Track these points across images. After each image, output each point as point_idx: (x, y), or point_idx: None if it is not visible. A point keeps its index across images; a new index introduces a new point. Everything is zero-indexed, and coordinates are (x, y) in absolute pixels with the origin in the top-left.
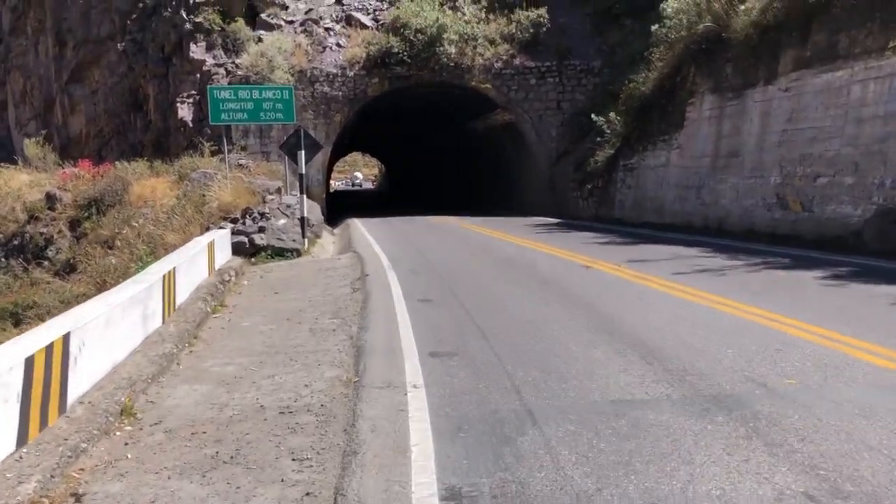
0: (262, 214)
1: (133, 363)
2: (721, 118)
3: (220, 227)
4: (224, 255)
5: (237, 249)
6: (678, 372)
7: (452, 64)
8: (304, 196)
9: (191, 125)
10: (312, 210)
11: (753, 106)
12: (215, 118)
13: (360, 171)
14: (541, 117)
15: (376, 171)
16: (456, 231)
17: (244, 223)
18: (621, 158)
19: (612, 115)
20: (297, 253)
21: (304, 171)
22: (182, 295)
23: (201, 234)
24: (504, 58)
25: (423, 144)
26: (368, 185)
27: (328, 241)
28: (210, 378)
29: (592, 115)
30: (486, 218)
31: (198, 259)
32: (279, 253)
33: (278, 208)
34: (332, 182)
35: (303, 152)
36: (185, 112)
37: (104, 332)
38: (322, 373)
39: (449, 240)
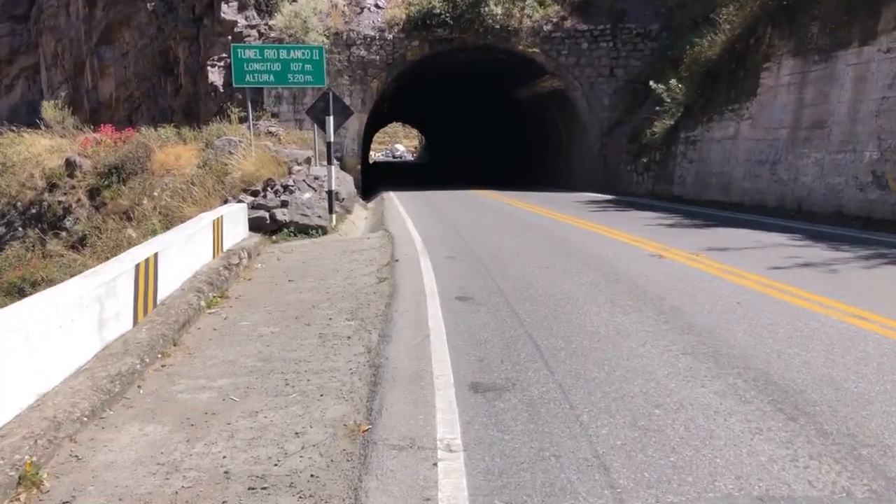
0: (286, 187)
1: (69, 391)
2: (803, 85)
3: (238, 201)
4: (238, 233)
5: (256, 225)
6: (842, 438)
7: (498, 26)
8: (333, 167)
9: (221, 90)
10: (344, 183)
11: (845, 70)
12: (239, 80)
13: (401, 143)
14: (592, 85)
15: (416, 142)
16: (499, 208)
17: (265, 196)
18: (682, 130)
19: (672, 82)
20: (323, 230)
21: (332, 140)
22: (170, 285)
23: (221, 206)
24: (554, 20)
25: (465, 114)
26: (409, 158)
27: (359, 216)
28: (173, 413)
29: (650, 83)
30: (531, 193)
31: (197, 239)
32: (303, 230)
33: (304, 180)
34: (371, 153)
35: (331, 118)
36: (215, 76)
37: (25, 348)
38: (323, 410)
39: (491, 218)
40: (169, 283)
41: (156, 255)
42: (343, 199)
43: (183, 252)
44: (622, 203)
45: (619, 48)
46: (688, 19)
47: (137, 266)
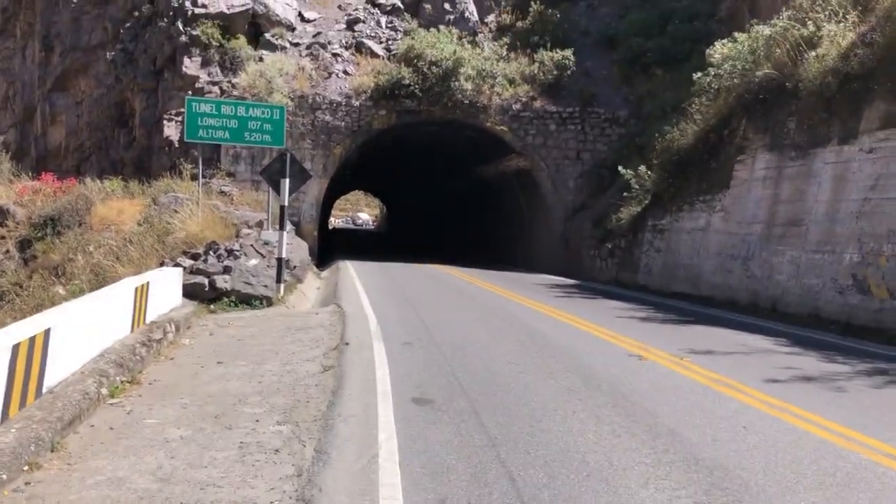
0: (231, 251)
1: None
2: (779, 180)
3: (176, 264)
4: (169, 301)
5: (193, 292)
6: None
7: (467, 101)
8: (286, 233)
9: (176, 145)
10: (297, 249)
11: (823, 168)
12: (192, 134)
13: (364, 212)
14: (558, 167)
15: (377, 211)
16: (460, 287)
17: (206, 260)
18: (650, 218)
19: (641, 168)
20: (268, 301)
21: (286, 203)
22: (66, 367)
23: (153, 270)
24: (523, 99)
25: (427, 187)
26: (371, 227)
27: (312, 286)
28: None
29: (619, 168)
30: (492, 272)
31: (112, 310)
32: (245, 300)
33: (252, 245)
34: (331, 219)
35: (287, 181)
36: (171, 130)
37: None
38: None
39: (452, 298)
40: (65, 365)
41: (46, 331)
42: (295, 266)
43: (90, 325)
44: (586, 289)
45: (587, 132)
46: (657, 108)
47: (16, 347)
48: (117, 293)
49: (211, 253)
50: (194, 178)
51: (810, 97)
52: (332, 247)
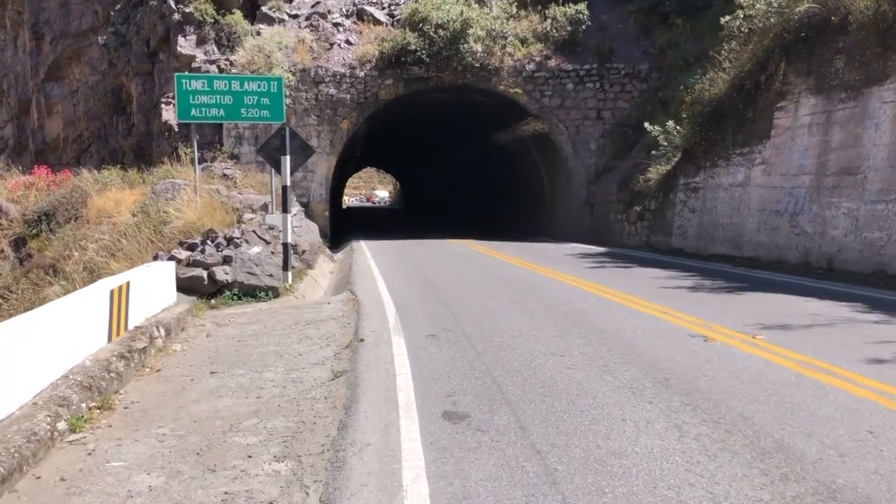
0: (230, 239)
1: None
2: (828, 125)
3: (170, 257)
4: (161, 300)
5: (191, 286)
6: None
7: (478, 65)
8: (291, 215)
9: (176, 129)
10: (307, 232)
11: (880, 108)
12: (183, 114)
13: (378, 189)
14: (578, 128)
15: (390, 188)
16: (483, 263)
17: (203, 251)
18: (681, 176)
19: (669, 124)
20: (275, 292)
21: (288, 183)
22: (17, 396)
23: (140, 266)
24: (537, 59)
25: (442, 159)
26: (387, 203)
27: (324, 270)
28: None
29: (646, 125)
30: (515, 244)
31: (80, 319)
32: (249, 292)
33: (254, 231)
34: (344, 198)
35: (288, 157)
36: (169, 114)
37: None
38: None
39: (477, 277)
40: (11, 397)
41: None
42: (304, 251)
43: (50, 341)
44: (619, 257)
45: (607, 89)
46: (680, 59)
47: None
48: (87, 298)
49: (208, 242)
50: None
51: (861, 31)
52: (346, 227)
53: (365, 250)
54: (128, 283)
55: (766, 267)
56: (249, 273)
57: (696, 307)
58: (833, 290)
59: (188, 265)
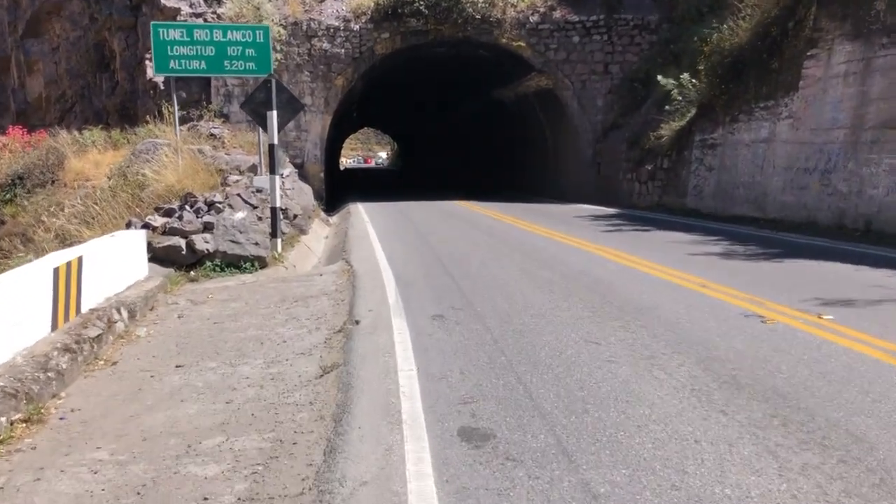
0: (212, 204)
1: None
2: (867, 74)
3: (144, 225)
4: (128, 274)
5: (168, 257)
6: None
7: (479, 16)
8: (280, 177)
9: (161, 87)
10: (300, 195)
11: None
12: (161, 67)
13: (375, 150)
14: (584, 83)
15: (389, 148)
16: (489, 226)
17: (181, 217)
18: (697, 132)
19: (684, 76)
20: (261, 262)
21: (275, 141)
22: None
23: (102, 237)
24: (541, 10)
25: (442, 117)
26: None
27: (318, 235)
28: None
29: (659, 78)
30: (520, 205)
31: (8, 307)
32: (233, 263)
33: (240, 195)
34: (342, 159)
35: (274, 113)
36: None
37: None
38: None
39: (484, 242)
40: None
41: None
42: (296, 215)
43: None
44: (633, 219)
45: (615, 42)
46: (692, 8)
47: None
48: (21, 280)
49: (187, 207)
50: (182, 121)
51: None
52: (343, 188)
53: (362, 213)
54: (79, 259)
55: (793, 229)
56: (233, 241)
57: (737, 278)
58: (882, 256)
59: (164, 233)
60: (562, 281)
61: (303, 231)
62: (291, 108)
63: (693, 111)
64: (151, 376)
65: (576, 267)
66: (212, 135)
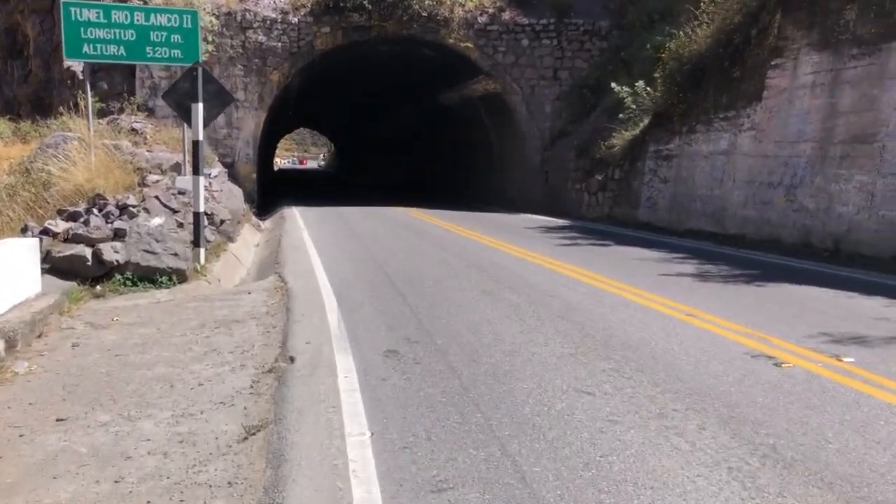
0: (124, 208)
1: None
2: (835, 86)
3: (42, 231)
4: (12, 291)
5: (71, 268)
6: None
7: (426, 14)
8: (202, 178)
9: (80, 76)
10: (229, 197)
11: None
12: (73, 52)
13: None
14: (533, 88)
15: (325, 150)
16: (437, 236)
17: (86, 222)
18: (652, 142)
19: (639, 84)
20: (181, 276)
21: (200, 137)
22: None
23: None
24: (490, 11)
25: (383, 119)
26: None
27: (248, 243)
28: None
29: (613, 85)
30: (467, 214)
31: None
32: (148, 276)
33: (157, 197)
34: (276, 160)
35: (200, 105)
36: (74, 61)
37: None
38: None
39: (435, 255)
40: None
41: None
42: (224, 221)
43: None
44: (586, 231)
45: (565, 47)
46: (643, 16)
47: None
48: None
49: (95, 211)
50: (100, 114)
51: None
52: (276, 191)
53: (298, 219)
54: None
55: (756, 246)
56: (148, 251)
57: (724, 306)
58: (870, 283)
59: (67, 240)
60: (530, 306)
61: (230, 239)
62: (220, 100)
63: (647, 120)
64: (21, 435)
65: (542, 288)
66: (133, 129)
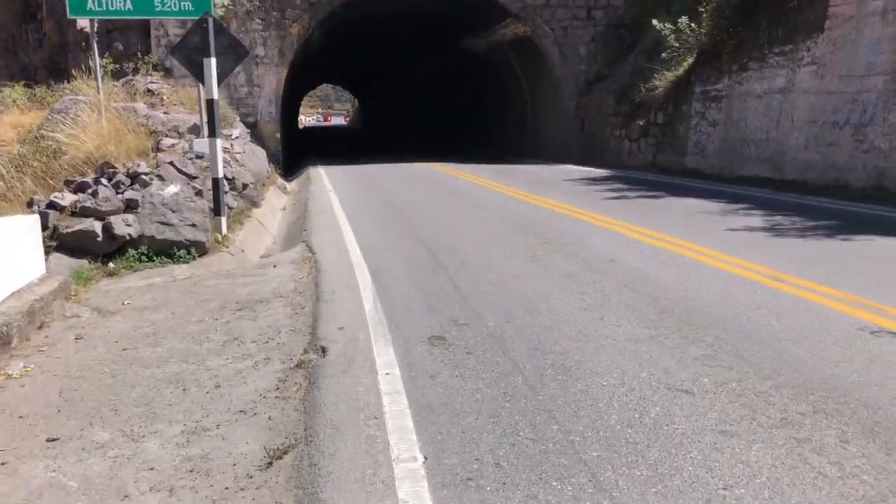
0: (136, 176)
1: None
2: None
3: (49, 204)
4: (12, 276)
5: (80, 245)
6: None
7: None
8: (219, 140)
9: (96, 38)
10: (252, 159)
11: None
12: (77, 8)
13: (336, 107)
14: (565, 30)
15: (349, 105)
16: (473, 193)
17: (95, 193)
18: (698, 83)
19: (682, 20)
20: (200, 248)
21: (215, 95)
22: None
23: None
24: None
25: (407, 71)
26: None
27: (274, 207)
28: None
29: (654, 22)
30: (500, 167)
31: None
32: (165, 250)
33: (172, 163)
34: (301, 118)
35: (213, 60)
36: (86, 21)
37: None
38: None
39: (474, 215)
40: None
41: None
42: (247, 185)
43: None
44: (632, 182)
45: None
46: None
47: None
48: None
49: (103, 181)
50: (115, 75)
51: None
52: (302, 149)
53: (324, 179)
54: None
55: (820, 192)
56: (163, 223)
57: (812, 267)
58: None
59: (74, 214)
60: (589, 275)
61: (254, 203)
62: (234, 54)
63: (692, 59)
64: (3, 463)
65: (597, 251)
66: (149, 90)
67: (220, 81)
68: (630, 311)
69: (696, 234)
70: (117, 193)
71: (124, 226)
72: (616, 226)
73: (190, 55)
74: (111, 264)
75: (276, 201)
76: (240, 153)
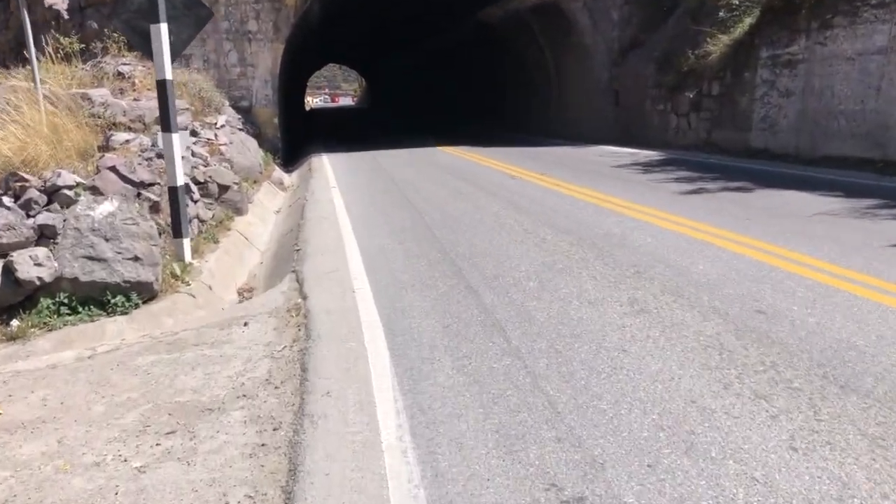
0: (55, 191)
1: None
2: None
3: None
4: None
5: None
6: None
7: None
8: (175, 136)
9: (66, 16)
10: (240, 153)
11: None
12: None
13: (342, 87)
14: None
15: (356, 85)
16: (509, 188)
17: None
18: (764, 46)
19: None
20: (147, 292)
21: (167, 75)
22: None
23: None
24: None
25: (417, 46)
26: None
27: (266, 210)
28: None
29: None
30: (526, 150)
31: None
32: (93, 297)
33: (115, 168)
34: (308, 99)
35: (163, 27)
36: None
37: None
38: None
39: (518, 225)
40: None
41: None
42: (227, 188)
43: None
44: (697, 167)
45: None
46: None
47: None
48: None
49: (6, 200)
50: (84, 56)
51: None
52: (307, 133)
53: (328, 172)
54: None
55: None
56: (91, 258)
57: None
58: None
59: None
60: (734, 339)
61: (238, 211)
62: (193, 17)
63: (754, 17)
64: None
65: (720, 289)
66: (120, 74)
67: (175, 55)
68: (847, 417)
69: (829, 251)
70: (27, 217)
71: (32, 265)
72: (720, 240)
73: (132, 20)
74: (15, 322)
75: (270, 202)
76: (225, 145)
